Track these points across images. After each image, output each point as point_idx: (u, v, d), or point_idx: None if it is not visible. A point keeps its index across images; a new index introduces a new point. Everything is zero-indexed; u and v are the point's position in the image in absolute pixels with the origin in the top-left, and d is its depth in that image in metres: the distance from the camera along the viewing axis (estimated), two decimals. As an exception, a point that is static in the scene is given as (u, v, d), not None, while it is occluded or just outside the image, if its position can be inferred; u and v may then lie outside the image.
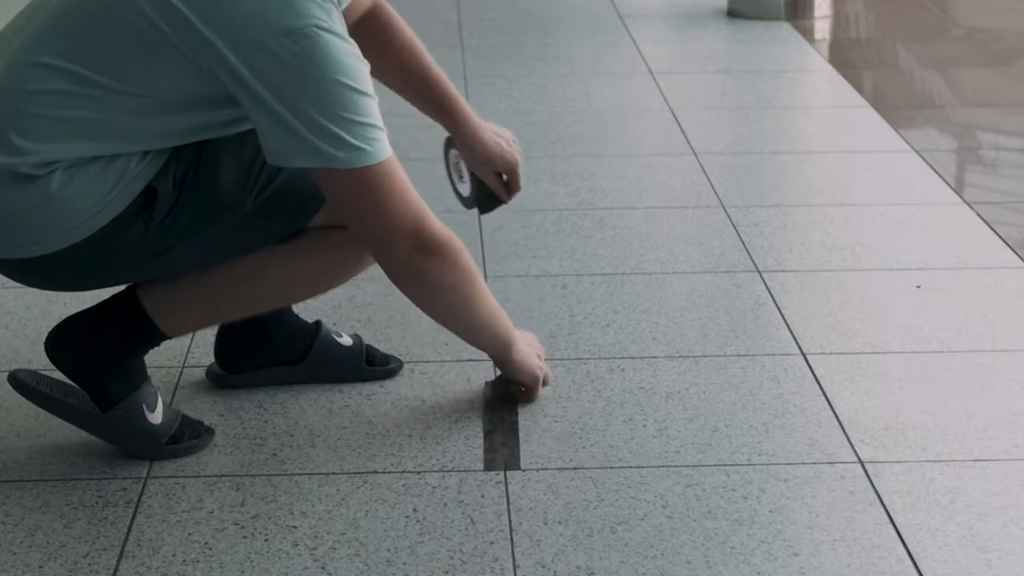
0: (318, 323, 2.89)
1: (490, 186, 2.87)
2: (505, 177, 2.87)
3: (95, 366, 2.58)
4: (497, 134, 2.87)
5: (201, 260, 2.54)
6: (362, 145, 2.36)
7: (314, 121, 2.33)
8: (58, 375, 2.63)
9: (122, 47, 2.36)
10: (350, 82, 2.34)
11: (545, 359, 2.84)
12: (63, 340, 2.60)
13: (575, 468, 2.57)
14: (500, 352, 2.74)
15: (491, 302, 2.67)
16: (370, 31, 2.76)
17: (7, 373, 2.66)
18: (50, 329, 2.63)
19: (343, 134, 2.34)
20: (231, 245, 2.53)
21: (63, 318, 2.63)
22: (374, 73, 2.73)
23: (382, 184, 2.41)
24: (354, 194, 2.42)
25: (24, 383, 2.59)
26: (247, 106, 2.35)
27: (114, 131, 2.39)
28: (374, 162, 2.38)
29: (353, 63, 2.36)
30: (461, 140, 2.85)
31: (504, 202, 2.90)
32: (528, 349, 2.78)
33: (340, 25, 2.37)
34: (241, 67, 2.32)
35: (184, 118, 2.42)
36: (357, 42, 2.54)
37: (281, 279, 2.63)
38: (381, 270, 2.67)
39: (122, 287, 2.61)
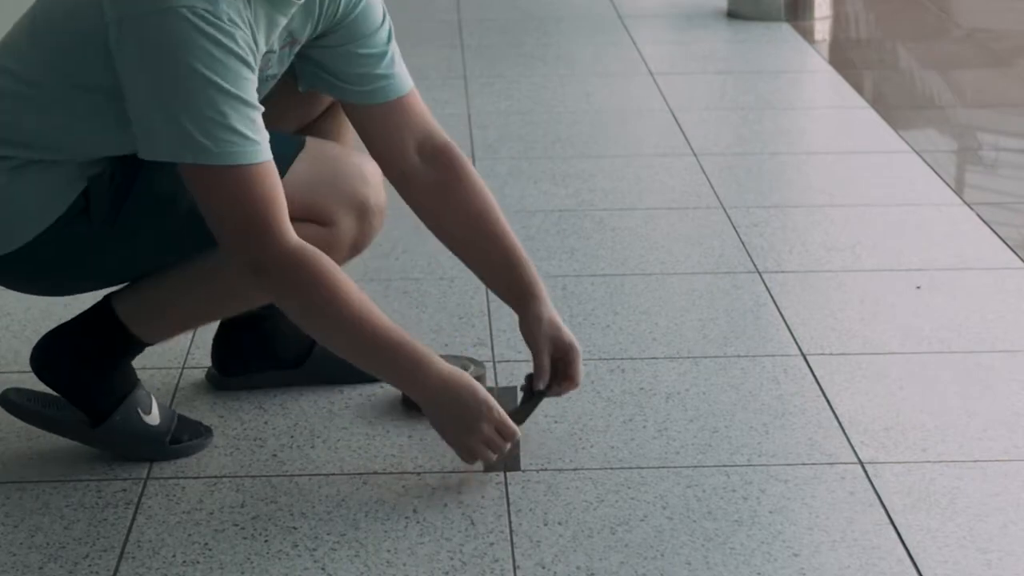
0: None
1: (537, 366, 2.59)
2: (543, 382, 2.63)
3: (81, 381, 2.57)
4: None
5: (160, 257, 2.52)
6: (206, 143, 2.27)
7: (164, 109, 2.27)
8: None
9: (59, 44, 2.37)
10: (213, 76, 2.26)
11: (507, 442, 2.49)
12: (46, 358, 2.60)
13: (575, 469, 2.57)
14: (406, 389, 2.55)
15: (366, 331, 2.41)
16: (436, 165, 2.62)
17: (5, 377, 2.66)
18: (35, 343, 2.63)
19: (191, 128, 2.26)
20: (187, 237, 2.49)
21: (44, 333, 2.62)
22: (432, 226, 2.63)
23: (220, 189, 2.31)
24: (196, 191, 2.34)
25: (14, 403, 2.58)
26: (125, 95, 2.32)
27: (33, 137, 2.40)
28: (216, 163, 2.28)
29: (225, 59, 2.27)
30: (528, 315, 2.61)
31: (536, 401, 2.62)
32: (456, 412, 2.44)
33: (233, 20, 2.29)
34: (120, 47, 2.29)
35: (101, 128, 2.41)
36: (413, 179, 2.56)
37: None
38: (378, 271, 2.67)
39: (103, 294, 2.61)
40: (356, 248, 2.61)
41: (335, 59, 2.55)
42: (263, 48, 2.38)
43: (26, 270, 2.49)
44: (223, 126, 2.28)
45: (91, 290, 2.62)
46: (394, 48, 2.59)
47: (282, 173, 2.45)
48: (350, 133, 2.71)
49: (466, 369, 2.78)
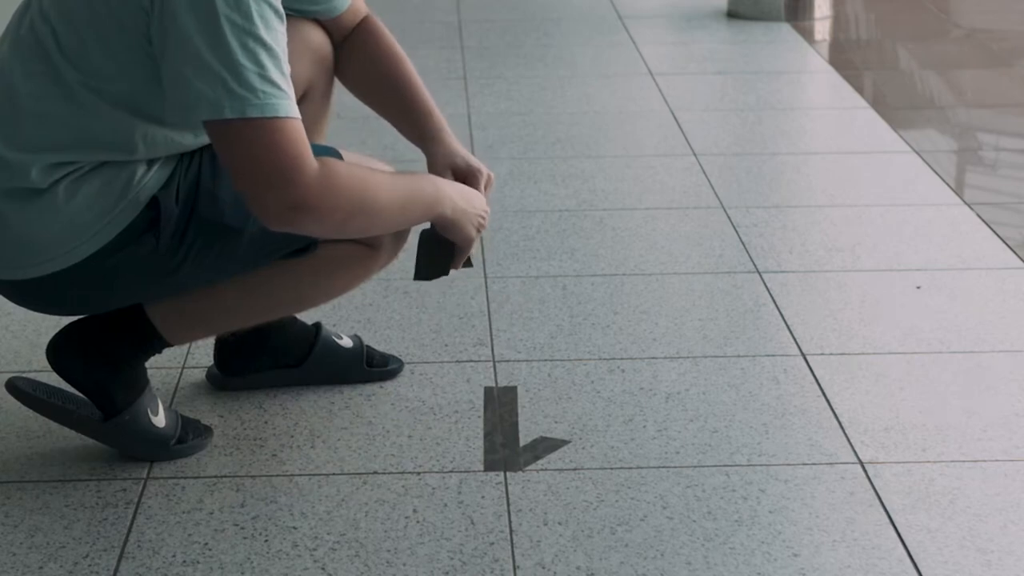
0: (318, 325, 2.89)
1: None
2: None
3: (99, 374, 2.57)
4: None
5: (210, 279, 2.53)
6: (246, 95, 2.23)
7: (201, 65, 2.22)
8: (54, 380, 2.63)
9: (93, 33, 2.33)
10: (251, 27, 2.23)
11: (487, 216, 2.62)
12: (66, 348, 2.59)
13: (575, 469, 2.57)
14: (432, 218, 2.53)
15: (394, 192, 2.44)
16: (356, 36, 2.73)
17: (6, 377, 2.66)
18: (52, 334, 2.62)
19: (231, 81, 2.22)
20: (239, 263, 2.51)
21: (64, 324, 2.62)
22: (349, 83, 2.71)
23: (257, 140, 2.25)
24: (228, 144, 2.27)
25: (22, 391, 2.58)
26: (159, 62, 2.28)
27: (80, 131, 2.36)
28: (257, 115, 2.23)
29: (261, 11, 2.24)
30: (427, 154, 2.70)
31: (444, 271, 2.66)
32: (464, 205, 2.54)
33: None
34: (160, 15, 2.25)
35: (132, 119, 2.37)
36: (344, 50, 2.62)
37: (288, 293, 2.60)
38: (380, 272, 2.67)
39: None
40: (385, 266, 2.65)
41: None
42: None
43: (76, 286, 2.44)
44: (263, 78, 2.24)
45: (124, 305, 2.59)
46: None
47: None
48: (326, 120, 2.77)
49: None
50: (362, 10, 2.74)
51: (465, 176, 2.63)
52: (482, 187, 2.63)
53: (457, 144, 2.67)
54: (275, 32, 2.27)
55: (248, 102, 2.23)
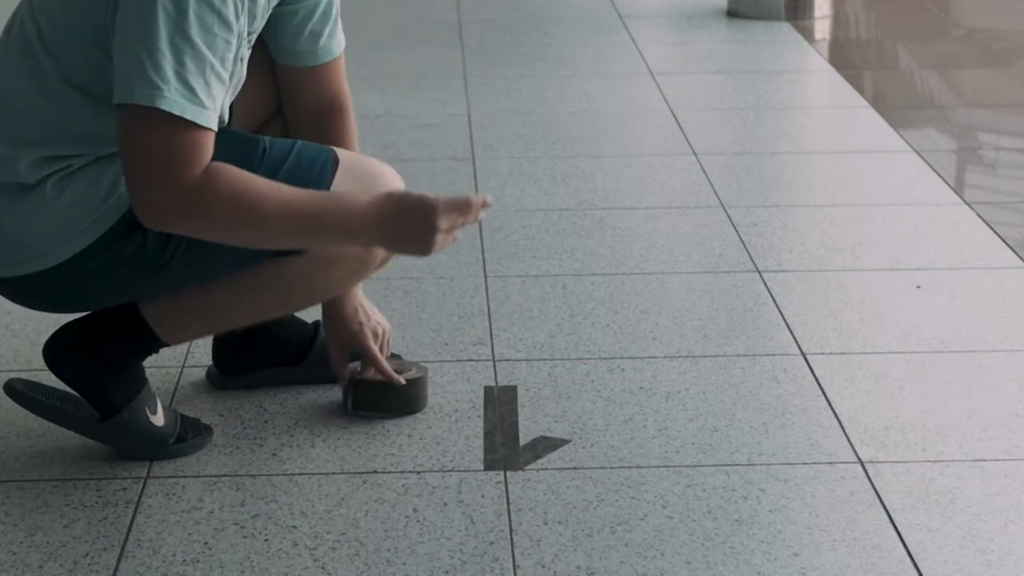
0: (317, 324, 2.89)
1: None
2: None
3: (95, 375, 2.56)
4: (370, 315, 2.76)
5: (202, 275, 2.52)
6: (161, 85, 2.21)
7: (130, 49, 2.23)
8: (53, 380, 2.62)
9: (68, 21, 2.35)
10: (183, 23, 2.22)
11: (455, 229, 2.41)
12: (61, 349, 2.59)
13: (575, 468, 2.57)
14: (354, 239, 2.42)
15: (288, 215, 2.33)
16: (325, 128, 2.68)
17: (6, 377, 2.66)
18: (49, 334, 2.62)
19: (148, 67, 2.21)
20: (228, 260, 2.49)
21: (60, 325, 2.61)
22: None
23: (155, 133, 2.23)
24: (130, 132, 2.25)
25: (20, 392, 2.58)
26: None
27: (56, 125, 2.37)
28: (163, 107, 2.21)
29: (202, 13, 2.23)
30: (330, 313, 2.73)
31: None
32: (399, 238, 2.39)
33: None
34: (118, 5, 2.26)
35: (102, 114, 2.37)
36: (307, 130, 2.61)
37: (283, 291, 2.59)
38: (380, 271, 2.67)
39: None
40: (385, 262, 2.62)
41: (296, 15, 2.60)
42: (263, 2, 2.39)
43: (65, 284, 2.45)
44: (179, 76, 2.23)
45: (119, 303, 2.59)
46: (338, 9, 2.67)
47: (322, 186, 2.45)
48: None
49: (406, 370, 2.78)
50: (344, 96, 2.70)
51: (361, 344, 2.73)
52: (376, 347, 2.73)
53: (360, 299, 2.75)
54: (213, 37, 2.26)
55: (159, 93, 2.23)
